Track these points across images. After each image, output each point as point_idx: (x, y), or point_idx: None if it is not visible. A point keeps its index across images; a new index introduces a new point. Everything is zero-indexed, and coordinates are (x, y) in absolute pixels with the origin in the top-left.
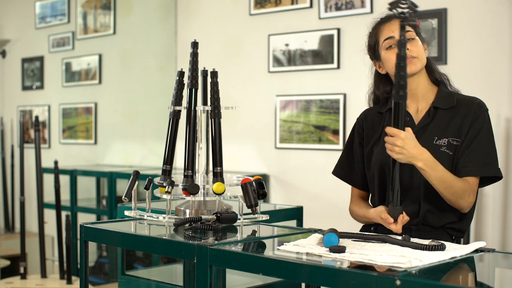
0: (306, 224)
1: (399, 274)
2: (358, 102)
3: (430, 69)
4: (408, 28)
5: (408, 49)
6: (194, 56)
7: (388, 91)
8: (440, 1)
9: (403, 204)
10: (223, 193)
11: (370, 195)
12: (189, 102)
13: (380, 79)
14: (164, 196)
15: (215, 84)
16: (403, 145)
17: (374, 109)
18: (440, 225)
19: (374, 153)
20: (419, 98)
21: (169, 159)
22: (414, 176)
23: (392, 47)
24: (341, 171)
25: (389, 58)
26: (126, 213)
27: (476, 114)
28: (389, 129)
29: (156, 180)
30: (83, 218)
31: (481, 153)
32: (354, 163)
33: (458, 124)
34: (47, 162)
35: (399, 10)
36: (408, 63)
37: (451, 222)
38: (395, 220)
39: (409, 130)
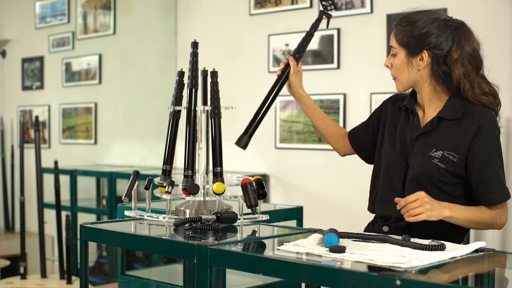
0: (306, 224)
1: (399, 274)
2: (358, 102)
3: (440, 79)
4: (391, 43)
5: (387, 66)
6: (194, 56)
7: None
8: (440, 1)
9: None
10: (223, 193)
11: (370, 189)
12: (189, 102)
13: None
14: (164, 196)
15: (215, 84)
16: (428, 200)
17: (399, 99)
18: (428, 231)
19: (383, 147)
20: (426, 102)
21: (169, 159)
22: (396, 184)
23: (392, 55)
24: (353, 131)
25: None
26: (126, 213)
27: (478, 135)
28: (406, 199)
29: (156, 180)
30: (83, 218)
31: (498, 177)
32: (361, 127)
33: (459, 139)
34: (47, 162)
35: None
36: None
37: (443, 228)
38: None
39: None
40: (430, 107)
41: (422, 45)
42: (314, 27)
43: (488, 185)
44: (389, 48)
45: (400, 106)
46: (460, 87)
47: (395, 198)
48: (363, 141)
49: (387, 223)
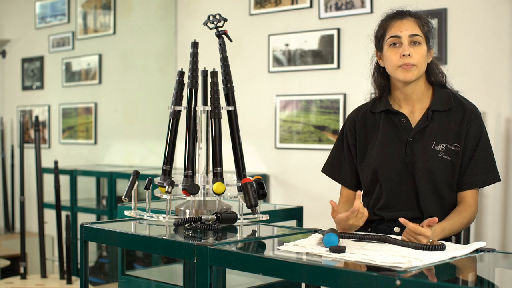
0: (306, 224)
1: (399, 274)
2: (358, 102)
3: (430, 72)
4: (415, 32)
5: (409, 54)
6: (194, 56)
7: (384, 84)
8: (440, 1)
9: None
10: (223, 193)
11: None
12: (189, 102)
13: (379, 70)
14: (164, 196)
15: (215, 84)
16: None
17: (365, 107)
18: None
19: (368, 155)
20: (414, 101)
21: (169, 159)
22: (402, 188)
23: (396, 45)
24: (331, 169)
25: (389, 56)
26: (126, 213)
27: (471, 121)
28: (415, 228)
29: (156, 180)
30: (83, 218)
31: (484, 162)
32: (344, 162)
33: (456, 129)
34: (47, 162)
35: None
36: (404, 69)
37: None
38: None
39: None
40: (419, 102)
41: (433, 43)
42: (223, 50)
43: (475, 171)
44: None
45: (373, 111)
46: (434, 72)
47: (399, 219)
48: (353, 177)
49: (398, 224)
